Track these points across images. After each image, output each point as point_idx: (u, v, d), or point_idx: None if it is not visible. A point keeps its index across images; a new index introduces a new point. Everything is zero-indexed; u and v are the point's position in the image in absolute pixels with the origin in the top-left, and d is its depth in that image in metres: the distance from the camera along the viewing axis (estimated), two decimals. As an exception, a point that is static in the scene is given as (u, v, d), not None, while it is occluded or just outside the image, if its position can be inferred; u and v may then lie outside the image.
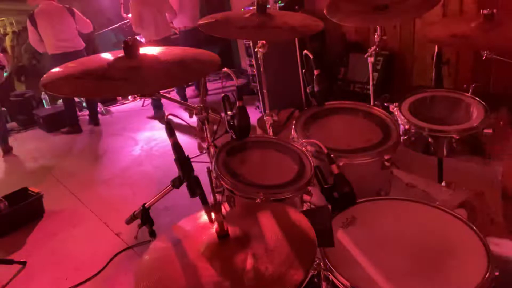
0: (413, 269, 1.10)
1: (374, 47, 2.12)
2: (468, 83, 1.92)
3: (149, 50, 1.36)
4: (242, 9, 3.92)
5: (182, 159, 1.27)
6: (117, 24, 5.87)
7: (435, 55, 2.05)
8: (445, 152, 1.74)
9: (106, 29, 6.07)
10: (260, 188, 1.41)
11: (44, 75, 1.24)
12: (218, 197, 1.05)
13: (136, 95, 5.40)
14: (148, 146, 4.34)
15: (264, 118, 2.09)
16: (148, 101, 5.62)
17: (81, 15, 4.79)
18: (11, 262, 2.64)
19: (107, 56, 1.32)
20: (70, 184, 3.72)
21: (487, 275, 1.04)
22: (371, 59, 2.17)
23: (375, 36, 2.08)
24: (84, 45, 4.84)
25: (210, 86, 5.80)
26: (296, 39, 3.81)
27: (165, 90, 4.79)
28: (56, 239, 2.95)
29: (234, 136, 1.63)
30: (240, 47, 5.86)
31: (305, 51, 1.89)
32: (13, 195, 3.21)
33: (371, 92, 2.33)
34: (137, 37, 4.05)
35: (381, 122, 1.78)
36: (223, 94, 1.64)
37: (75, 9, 4.74)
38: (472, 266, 1.08)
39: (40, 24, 4.50)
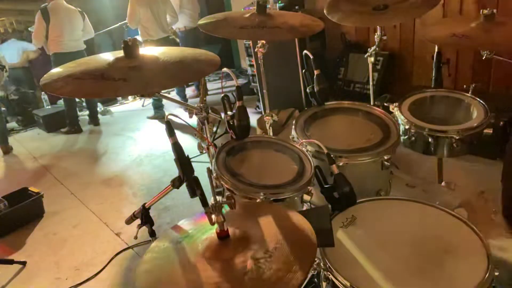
0: (413, 269, 1.10)
1: (374, 47, 2.12)
2: (468, 83, 1.93)
3: (149, 50, 1.36)
4: (242, 9, 3.92)
5: (182, 159, 1.27)
6: (117, 24, 5.86)
7: (435, 55, 2.05)
8: (445, 152, 1.74)
9: (104, 30, 6.07)
10: (260, 188, 1.41)
11: (44, 75, 1.24)
12: (218, 197, 1.05)
13: (136, 95, 5.40)
14: (148, 146, 4.34)
15: (264, 118, 2.09)
16: (148, 101, 5.62)
17: (88, 21, 4.90)
18: (11, 262, 2.64)
19: (107, 56, 1.32)
20: (70, 184, 3.72)
21: (487, 275, 1.04)
22: (371, 59, 2.17)
23: (375, 36, 2.08)
24: (85, 46, 4.91)
25: (210, 86, 5.79)
26: (296, 39, 3.81)
27: (165, 90, 4.80)
28: (56, 239, 2.94)
29: (234, 136, 1.63)
30: (240, 47, 5.86)
31: (305, 51, 1.89)
32: (13, 195, 3.21)
33: (371, 92, 2.33)
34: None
35: (381, 122, 1.78)
36: (223, 94, 1.64)
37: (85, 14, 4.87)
38: (472, 266, 1.08)
39: (54, 20, 4.59)
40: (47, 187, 3.60)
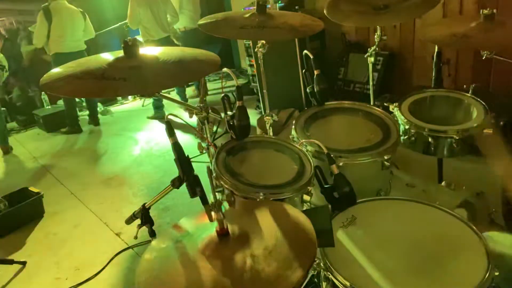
0: (413, 269, 1.10)
1: (374, 47, 2.12)
2: (468, 83, 1.93)
3: (149, 50, 1.36)
4: (242, 9, 3.92)
5: (182, 159, 1.27)
6: (117, 24, 5.86)
7: (435, 55, 2.05)
8: (445, 152, 1.74)
9: (104, 30, 6.06)
10: (260, 188, 1.41)
11: (45, 75, 1.24)
12: (218, 196, 1.05)
13: (136, 95, 5.41)
14: (148, 146, 4.34)
15: (264, 118, 2.08)
16: (148, 101, 5.62)
17: (89, 21, 4.90)
18: (11, 262, 2.64)
19: (107, 56, 1.32)
20: (70, 184, 3.72)
21: (487, 275, 1.04)
22: (371, 59, 2.17)
23: (375, 36, 2.08)
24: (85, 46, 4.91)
25: (210, 86, 5.80)
26: (296, 39, 3.81)
27: (165, 90, 4.81)
28: (56, 239, 2.95)
29: (234, 136, 1.63)
30: (240, 47, 5.86)
31: (305, 51, 1.89)
32: (13, 195, 3.21)
33: (371, 92, 2.33)
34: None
35: (381, 122, 1.78)
36: (223, 94, 1.64)
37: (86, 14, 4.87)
38: (472, 266, 1.08)
39: (56, 20, 4.58)
40: (47, 187, 3.61)
